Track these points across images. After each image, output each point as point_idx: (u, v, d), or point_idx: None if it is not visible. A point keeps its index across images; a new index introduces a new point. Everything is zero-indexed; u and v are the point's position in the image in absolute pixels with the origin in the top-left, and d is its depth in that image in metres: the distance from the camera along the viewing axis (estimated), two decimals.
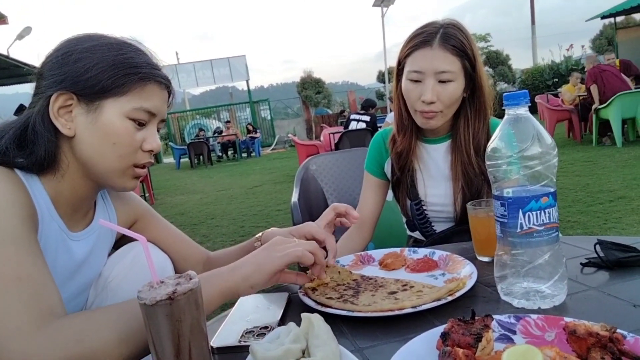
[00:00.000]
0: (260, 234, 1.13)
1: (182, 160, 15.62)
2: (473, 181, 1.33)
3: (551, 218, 0.78)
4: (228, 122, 18.17)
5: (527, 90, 0.81)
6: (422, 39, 1.27)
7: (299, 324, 0.68)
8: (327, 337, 0.65)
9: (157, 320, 0.62)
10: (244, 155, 16.66)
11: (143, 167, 0.93)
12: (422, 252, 1.08)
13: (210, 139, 16.35)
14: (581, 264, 0.93)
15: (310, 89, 21.39)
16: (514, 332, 0.68)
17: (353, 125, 7.92)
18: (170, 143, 17.66)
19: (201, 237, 5.06)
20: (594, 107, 7.61)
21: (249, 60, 21.31)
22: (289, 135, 14.61)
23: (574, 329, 0.61)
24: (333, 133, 8.52)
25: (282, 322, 0.83)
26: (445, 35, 1.26)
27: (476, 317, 0.66)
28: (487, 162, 0.83)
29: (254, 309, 0.90)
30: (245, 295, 0.84)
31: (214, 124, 20.63)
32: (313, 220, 1.11)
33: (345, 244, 1.45)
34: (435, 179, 1.41)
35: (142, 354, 0.73)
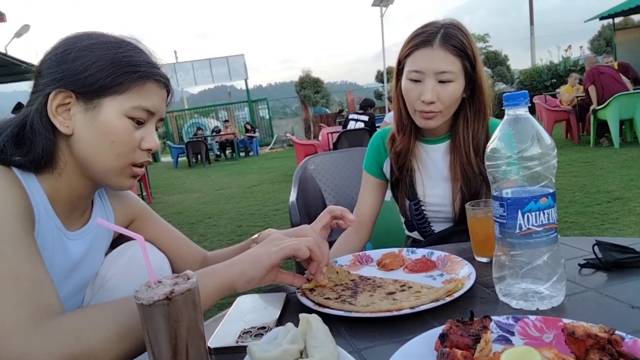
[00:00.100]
0: (256, 235, 1.12)
1: (180, 159, 15.60)
2: (472, 182, 1.33)
3: (550, 219, 0.78)
4: (226, 121, 18.16)
5: (527, 91, 0.81)
6: (422, 38, 1.27)
7: (296, 325, 0.68)
8: (325, 337, 0.65)
9: (155, 321, 0.61)
10: (242, 154, 16.65)
11: (141, 166, 0.92)
12: (421, 252, 1.08)
13: (209, 138, 16.33)
14: (579, 265, 0.93)
15: (309, 89, 21.39)
16: (512, 334, 0.68)
17: (351, 125, 7.91)
18: (168, 142, 17.63)
19: (198, 236, 5.06)
20: (591, 108, 7.63)
21: (248, 59, 21.31)
22: (287, 134, 14.61)
23: (572, 330, 0.61)
24: (331, 133, 8.52)
25: (280, 322, 0.83)
26: (446, 36, 1.26)
27: (475, 318, 0.66)
28: (487, 163, 0.83)
29: (252, 309, 0.90)
30: (243, 290, 0.84)
31: (212, 123, 20.62)
32: (311, 220, 1.11)
33: (343, 244, 1.45)
34: (434, 179, 1.41)
35: (141, 350, 0.73)
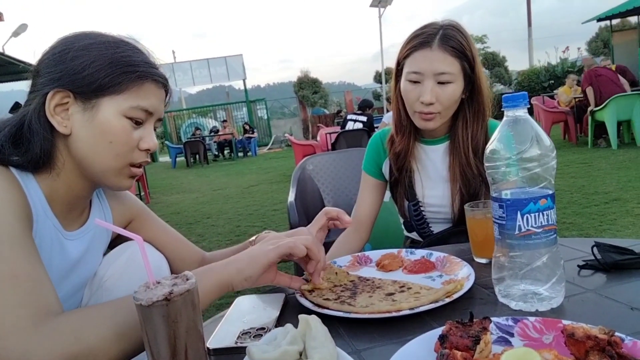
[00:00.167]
0: (254, 237, 1.12)
1: (178, 159, 15.58)
2: (471, 182, 1.33)
3: (549, 220, 0.78)
4: (225, 121, 18.14)
5: (526, 92, 0.81)
6: (421, 39, 1.27)
7: (296, 325, 0.68)
8: (325, 338, 0.65)
9: (153, 321, 0.61)
10: (240, 154, 16.64)
11: (139, 166, 0.92)
12: (420, 253, 1.08)
13: (207, 138, 16.32)
14: (578, 266, 0.93)
15: (307, 89, 21.39)
16: (512, 335, 0.68)
17: (350, 126, 7.92)
18: (167, 142, 17.61)
19: (197, 236, 5.05)
20: (589, 109, 7.65)
21: (246, 59, 21.30)
22: (286, 134, 14.61)
23: (572, 332, 0.61)
24: (330, 133, 8.52)
25: (279, 323, 0.83)
26: (445, 37, 1.26)
27: (474, 320, 0.66)
28: (486, 164, 0.83)
29: (251, 310, 0.89)
30: (240, 288, 0.84)
31: (210, 123, 20.60)
32: (309, 221, 1.11)
33: (342, 244, 1.45)
34: (433, 180, 1.40)
35: (140, 350, 0.73)
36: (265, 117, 21.45)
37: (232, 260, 0.84)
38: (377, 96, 21.71)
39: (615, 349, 0.57)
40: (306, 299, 0.89)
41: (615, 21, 15.57)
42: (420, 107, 1.28)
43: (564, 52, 19.63)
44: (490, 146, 0.82)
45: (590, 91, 7.55)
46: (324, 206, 2.87)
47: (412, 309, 0.79)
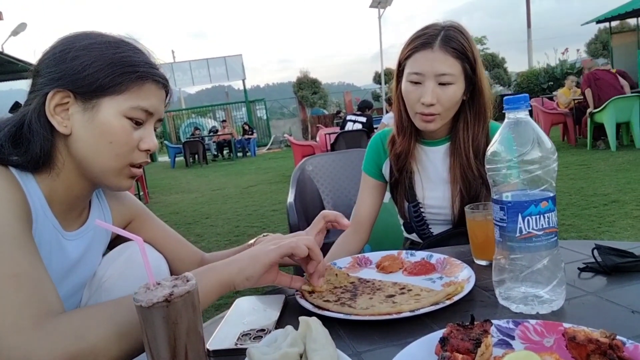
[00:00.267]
0: (253, 240, 1.12)
1: (177, 159, 15.57)
2: (471, 184, 1.33)
3: (550, 223, 0.78)
4: (224, 121, 18.13)
5: (527, 95, 0.81)
6: (423, 40, 1.27)
7: (296, 327, 0.68)
8: (325, 341, 0.65)
9: (153, 323, 0.61)
10: (240, 154, 16.63)
11: (139, 166, 0.92)
12: (420, 255, 1.08)
13: (206, 138, 16.31)
14: (579, 268, 0.93)
15: (307, 89, 21.40)
16: (513, 338, 0.68)
17: (349, 126, 7.92)
18: (166, 142, 17.60)
19: (195, 236, 5.04)
20: (588, 111, 7.66)
21: (245, 59, 21.30)
22: (285, 135, 14.60)
23: (573, 335, 0.61)
24: (329, 134, 8.52)
25: (279, 324, 0.83)
26: (446, 38, 1.25)
27: (475, 322, 0.66)
28: (487, 166, 0.83)
29: (251, 311, 0.89)
30: (242, 288, 0.83)
31: (209, 123, 20.60)
32: (308, 221, 1.10)
33: (342, 245, 1.45)
34: (434, 182, 1.40)
35: (142, 349, 0.73)
36: (265, 117, 21.45)
37: (233, 260, 0.84)
38: (377, 97, 21.73)
39: (616, 352, 0.57)
40: (306, 300, 0.89)
41: (614, 23, 15.60)
42: (421, 108, 1.28)
43: (563, 53, 19.68)
44: (492, 148, 0.82)
45: (589, 93, 7.57)
46: (323, 207, 2.88)
47: (412, 311, 0.79)
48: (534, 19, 24.25)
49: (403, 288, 0.90)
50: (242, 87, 21.74)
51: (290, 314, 0.89)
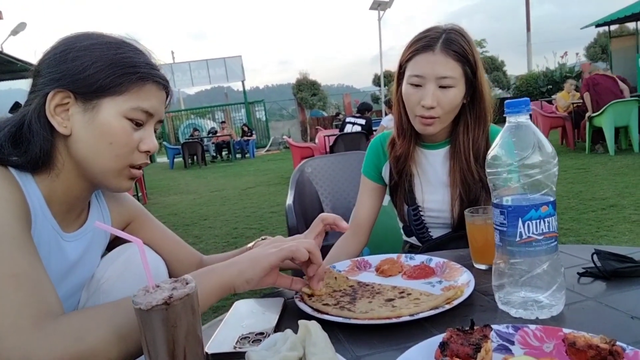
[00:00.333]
0: (251, 243, 1.12)
1: (176, 159, 15.56)
2: (471, 188, 1.33)
3: (550, 227, 0.78)
4: (223, 122, 18.14)
5: (528, 99, 0.81)
6: (424, 43, 1.27)
7: (295, 331, 0.67)
8: (325, 345, 0.64)
9: (152, 326, 0.61)
10: (238, 156, 16.63)
11: (139, 167, 0.92)
12: (419, 258, 1.08)
13: (205, 139, 16.30)
14: (578, 273, 0.93)
15: (306, 91, 21.41)
16: (512, 343, 0.68)
17: (348, 128, 7.92)
18: (165, 142, 17.59)
19: (193, 238, 5.04)
20: (587, 115, 7.68)
21: (245, 60, 21.31)
22: (284, 136, 14.61)
23: (573, 340, 0.61)
24: (328, 135, 8.52)
25: (278, 328, 0.82)
26: (448, 41, 1.26)
27: (475, 327, 0.65)
28: (487, 170, 0.83)
29: (249, 314, 0.89)
30: (242, 291, 0.83)
31: (208, 124, 20.60)
32: (307, 223, 1.10)
33: (341, 248, 1.45)
34: (433, 185, 1.40)
35: (141, 351, 0.72)
36: (264, 118, 21.46)
37: (233, 262, 0.84)
38: (376, 99, 21.76)
39: (616, 358, 0.57)
40: (305, 303, 0.88)
41: (613, 27, 15.65)
42: (421, 111, 1.28)
43: (562, 57, 19.74)
44: (492, 152, 0.82)
45: (587, 97, 7.59)
46: (322, 209, 2.87)
47: (412, 315, 0.78)
48: (533, 23, 24.32)
49: (402, 292, 0.90)
50: (241, 89, 21.75)
51: (289, 317, 0.88)
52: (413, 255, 1.10)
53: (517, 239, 0.78)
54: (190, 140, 15.49)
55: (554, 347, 0.65)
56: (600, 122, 7.43)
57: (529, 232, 0.77)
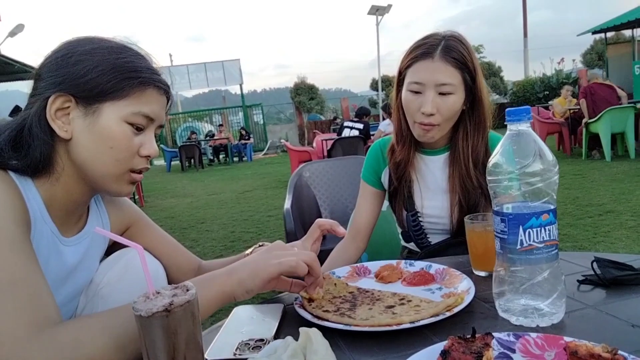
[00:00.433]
0: (249, 250, 1.11)
1: (173, 163, 15.53)
2: (470, 194, 1.33)
3: (551, 235, 0.78)
4: (221, 125, 18.13)
5: (529, 107, 0.81)
6: (423, 50, 1.27)
7: (294, 337, 0.67)
8: (326, 352, 0.64)
9: (153, 333, 0.60)
10: (236, 159, 16.62)
11: (139, 172, 0.91)
12: (419, 265, 1.08)
13: (202, 142, 16.29)
14: (578, 281, 0.93)
15: (304, 95, 21.43)
16: (514, 351, 0.67)
17: (346, 132, 7.93)
18: (162, 145, 17.57)
19: (190, 241, 5.02)
20: (584, 121, 7.72)
21: (243, 64, 21.35)
22: (282, 140, 14.61)
23: (575, 349, 0.61)
24: (326, 139, 8.52)
25: (278, 334, 0.82)
26: (447, 48, 1.26)
27: (476, 335, 0.65)
28: (488, 178, 0.83)
29: (249, 321, 0.88)
30: (242, 299, 0.83)
31: (206, 127, 20.60)
32: (305, 227, 1.10)
33: (340, 253, 1.45)
34: (433, 191, 1.40)
35: (141, 359, 0.72)
36: (261, 122, 21.46)
37: (233, 270, 0.83)
38: (374, 103, 21.80)
39: None
40: (305, 310, 0.88)
41: (609, 34, 15.76)
42: (420, 118, 1.28)
43: (559, 63, 19.85)
44: (493, 160, 0.82)
45: (583, 104, 7.64)
46: (320, 213, 2.87)
47: (412, 322, 0.78)
48: (530, 29, 24.44)
49: (403, 299, 0.90)
50: (239, 92, 21.78)
51: (289, 323, 0.88)
52: (413, 261, 1.10)
53: (518, 246, 0.78)
54: (188, 143, 15.48)
55: (555, 356, 0.65)
56: (596, 129, 7.47)
57: (529, 240, 0.77)
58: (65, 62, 0.83)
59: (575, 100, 9.28)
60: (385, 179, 1.48)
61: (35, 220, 0.83)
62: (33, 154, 0.82)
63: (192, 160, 14.90)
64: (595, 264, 0.93)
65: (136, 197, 7.74)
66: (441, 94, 1.26)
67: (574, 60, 22.07)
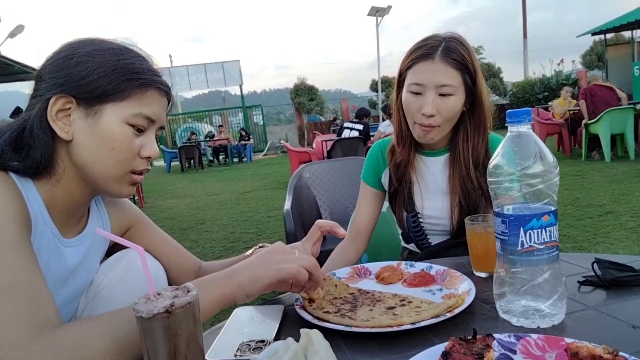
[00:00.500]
0: (250, 251, 1.11)
1: (172, 163, 15.53)
2: (471, 195, 1.33)
3: (552, 237, 0.78)
4: (220, 126, 18.14)
5: (530, 109, 0.81)
6: (423, 51, 1.27)
7: (295, 338, 0.67)
8: (327, 353, 0.64)
9: (154, 334, 0.60)
10: (236, 160, 16.63)
11: (140, 173, 0.91)
12: (419, 266, 1.08)
13: (202, 143, 16.29)
14: (578, 282, 0.93)
15: (304, 96, 21.44)
16: (515, 352, 0.67)
17: (346, 133, 7.94)
18: (162, 146, 17.56)
19: (190, 242, 5.02)
20: (583, 122, 7.73)
21: (243, 65, 21.37)
22: (281, 141, 14.62)
23: (576, 351, 0.61)
24: (325, 140, 8.53)
25: (278, 335, 0.82)
26: (447, 49, 1.26)
27: (477, 336, 0.65)
28: (489, 179, 0.83)
29: (250, 322, 0.88)
30: (241, 302, 0.83)
31: (206, 128, 20.61)
32: (305, 228, 1.10)
33: (340, 254, 1.45)
34: (433, 192, 1.40)
35: None
36: (261, 123, 21.47)
37: (234, 274, 0.83)
38: (373, 104, 21.81)
39: None
40: (306, 311, 0.88)
41: (609, 35, 15.79)
42: (421, 119, 1.28)
43: (558, 64, 19.88)
44: (494, 161, 0.82)
45: (583, 104, 7.65)
46: (320, 214, 2.87)
47: (413, 323, 0.78)
48: (530, 30, 24.47)
49: (403, 300, 0.90)
50: (239, 93, 21.79)
51: (289, 324, 0.88)
52: (413, 262, 1.10)
53: (519, 248, 0.78)
54: (188, 144, 15.49)
55: (556, 357, 0.65)
56: (596, 129, 7.48)
57: (530, 242, 0.77)
58: (67, 64, 0.83)
59: (574, 101, 9.29)
60: (385, 180, 1.48)
61: (36, 222, 0.83)
62: (34, 155, 0.82)
63: (192, 161, 14.90)
64: (595, 265, 0.93)
65: (136, 198, 7.73)
66: (441, 95, 1.26)
67: (573, 61, 22.10)
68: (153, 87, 0.87)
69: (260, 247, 1.12)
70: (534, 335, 0.69)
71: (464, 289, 0.91)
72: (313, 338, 0.66)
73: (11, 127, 0.84)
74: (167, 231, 1.19)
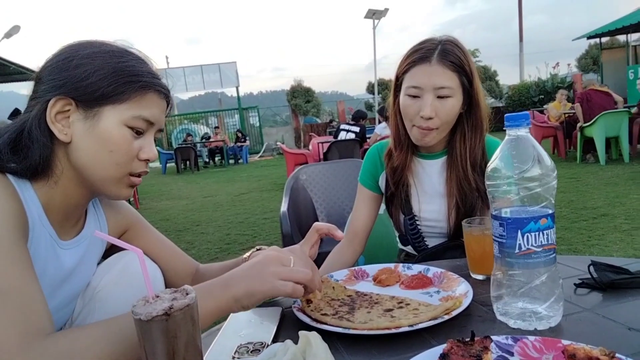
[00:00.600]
0: (247, 254, 1.11)
1: (168, 165, 15.49)
2: (468, 197, 1.33)
3: (549, 239, 0.78)
4: (216, 127, 18.11)
5: (528, 112, 0.82)
6: (420, 55, 1.28)
7: (293, 340, 0.67)
8: (325, 356, 0.64)
9: (152, 337, 0.60)
10: (232, 161, 16.60)
11: (138, 175, 0.91)
12: (416, 268, 1.08)
13: (198, 145, 16.26)
14: (575, 284, 0.94)
15: (300, 98, 21.46)
16: (512, 354, 0.68)
17: (342, 136, 7.94)
18: (157, 147, 17.48)
19: (186, 243, 5.01)
20: (578, 125, 7.77)
21: (239, 66, 21.35)
22: (278, 143, 14.62)
23: (573, 352, 0.61)
24: (322, 142, 8.53)
25: (276, 338, 0.82)
26: (444, 52, 1.27)
27: (475, 338, 0.66)
28: (487, 182, 0.83)
29: (247, 324, 0.88)
30: (237, 312, 0.82)
31: (202, 129, 20.57)
32: (301, 230, 1.10)
33: (337, 256, 1.45)
34: (430, 195, 1.41)
35: None
36: (257, 124, 21.46)
37: (230, 284, 0.80)
38: (370, 106, 21.84)
39: None
40: (304, 313, 0.88)
41: (604, 39, 15.88)
42: (419, 122, 1.29)
43: (554, 67, 19.95)
44: (492, 165, 0.82)
45: (578, 108, 7.70)
46: (316, 216, 2.87)
47: (411, 325, 0.78)
48: (526, 33, 24.61)
49: (401, 302, 0.90)
50: (235, 94, 21.76)
51: (287, 326, 0.88)
52: (410, 265, 1.10)
53: (516, 250, 0.78)
54: (184, 146, 15.45)
55: (553, 359, 0.65)
56: (591, 133, 7.52)
57: (527, 244, 0.78)
58: (66, 66, 0.83)
59: (570, 105, 9.35)
60: (382, 182, 1.48)
61: (33, 224, 0.83)
62: (32, 157, 0.82)
63: (188, 163, 14.87)
64: (592, 268, 0.94)
65: (131, 199, 7.71)
66: (439, 97, 1.27)
67: (569, 64, 22.22)
68: (152, 90, 0.87)
69: (257, 249, 1.11)
70: (531, 337, 0.69)
71: (462, 291, 0.91)
72: (312, 340, 0.66)
73: (9, 128, 0.84)
74: (162, 233, 1.18)
